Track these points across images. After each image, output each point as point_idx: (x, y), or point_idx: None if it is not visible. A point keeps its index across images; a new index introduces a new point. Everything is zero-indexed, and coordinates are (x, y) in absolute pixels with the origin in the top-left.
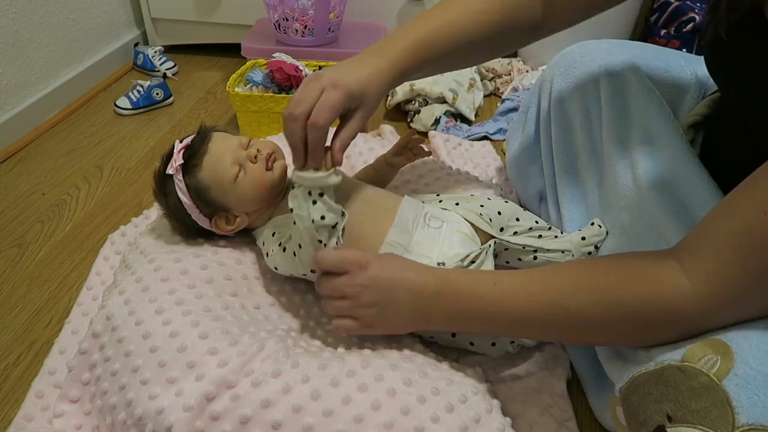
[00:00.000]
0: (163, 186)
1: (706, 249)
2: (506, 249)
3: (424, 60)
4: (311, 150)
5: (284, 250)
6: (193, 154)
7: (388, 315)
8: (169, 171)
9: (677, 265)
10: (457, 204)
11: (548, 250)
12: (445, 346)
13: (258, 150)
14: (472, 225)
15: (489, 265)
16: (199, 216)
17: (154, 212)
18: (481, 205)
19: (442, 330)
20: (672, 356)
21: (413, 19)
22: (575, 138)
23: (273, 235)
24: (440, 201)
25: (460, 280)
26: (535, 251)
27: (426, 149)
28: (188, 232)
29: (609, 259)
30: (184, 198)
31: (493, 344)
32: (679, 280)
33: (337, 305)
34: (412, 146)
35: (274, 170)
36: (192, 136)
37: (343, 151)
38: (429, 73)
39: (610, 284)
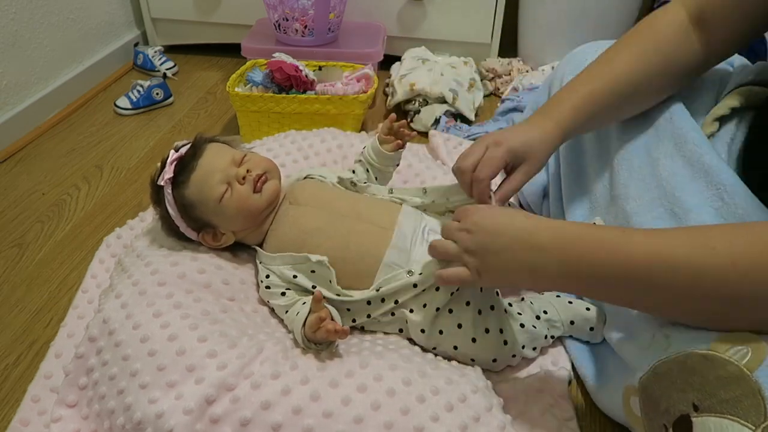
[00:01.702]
0: (156, 193)
1: None
2: None
3: (589, 116)
4: (477, 198)
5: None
6: (183, 169)
7: (490, 261)
8: (159, 182)
9: None
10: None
11: None
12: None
13: (248, 170)
14: None
15: None
16: (186, 229)
17: (149, 214)
18: None
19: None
20: (696, 346)
21: (577, 75)
22: (583, 135)
23: (268, 277)
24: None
25: (580, 228)
26: None
27: (408, 132)
28: (181, 238)
29: None
30: (172, 211)
31: (494, 360)
32: None
33: (448, 247)
34: (395, 131)
35: (263, 193)
36: (188, 146)
37: (504, 202)
38: (593, 128)
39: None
